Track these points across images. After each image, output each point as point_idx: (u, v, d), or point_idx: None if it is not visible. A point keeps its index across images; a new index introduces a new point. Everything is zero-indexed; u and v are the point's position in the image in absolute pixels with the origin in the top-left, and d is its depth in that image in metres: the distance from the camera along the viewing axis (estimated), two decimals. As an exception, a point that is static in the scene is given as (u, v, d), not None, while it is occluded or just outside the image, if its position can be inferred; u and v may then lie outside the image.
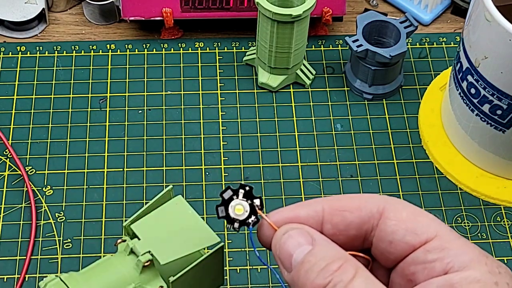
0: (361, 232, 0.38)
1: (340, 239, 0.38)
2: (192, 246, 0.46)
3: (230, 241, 0.58)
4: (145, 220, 0.47)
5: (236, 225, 0.46)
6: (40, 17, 0.70)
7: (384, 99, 0.67)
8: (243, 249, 0.58)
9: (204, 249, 0.48)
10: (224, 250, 0.57)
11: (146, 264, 0.45)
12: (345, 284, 0.34)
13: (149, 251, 0.45)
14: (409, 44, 0.70)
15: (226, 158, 0.63)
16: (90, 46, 0.69)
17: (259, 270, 0.57)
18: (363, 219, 0.37)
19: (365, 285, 0.34)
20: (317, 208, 0.38)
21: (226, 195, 0.46)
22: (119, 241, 0.47)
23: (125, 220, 0.49)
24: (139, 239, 0.46)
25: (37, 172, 0.61)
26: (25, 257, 0.57)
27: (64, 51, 0.69)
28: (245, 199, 0.46)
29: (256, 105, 0.66)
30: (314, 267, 0.35)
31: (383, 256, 0.38)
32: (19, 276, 0.56)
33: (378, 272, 0.39)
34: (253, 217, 0.45)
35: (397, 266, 0.37)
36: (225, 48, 0.70)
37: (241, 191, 0.46)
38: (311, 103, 0.66)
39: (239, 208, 0.46)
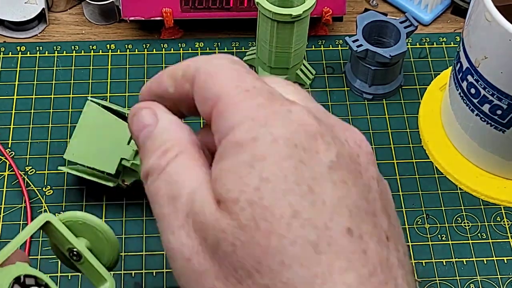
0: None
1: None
2: None
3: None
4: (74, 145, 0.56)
5: None
6: (40, 17, 0.70)
7: (384, 99, 0.67)
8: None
9: None
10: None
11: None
12: (162, 167, 0.35)
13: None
14: (409, 44, 0.70)
15: (226, 158, 0.62)
16: (90, 46, 0.69)
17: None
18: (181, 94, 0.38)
19: (182, 166, 0.35)
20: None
21: None
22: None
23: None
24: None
25: (37, 172, 0.61)
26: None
27: (64, 51, 0.69)
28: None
29: (256, 105, 0.66)
30: (151, 148, 0.36)
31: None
32: (19, 276, 0.56)
33: None
34: None
35: None
36: (225, 48, 0.70)
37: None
38: (311, 103, 0.66)
39: None
